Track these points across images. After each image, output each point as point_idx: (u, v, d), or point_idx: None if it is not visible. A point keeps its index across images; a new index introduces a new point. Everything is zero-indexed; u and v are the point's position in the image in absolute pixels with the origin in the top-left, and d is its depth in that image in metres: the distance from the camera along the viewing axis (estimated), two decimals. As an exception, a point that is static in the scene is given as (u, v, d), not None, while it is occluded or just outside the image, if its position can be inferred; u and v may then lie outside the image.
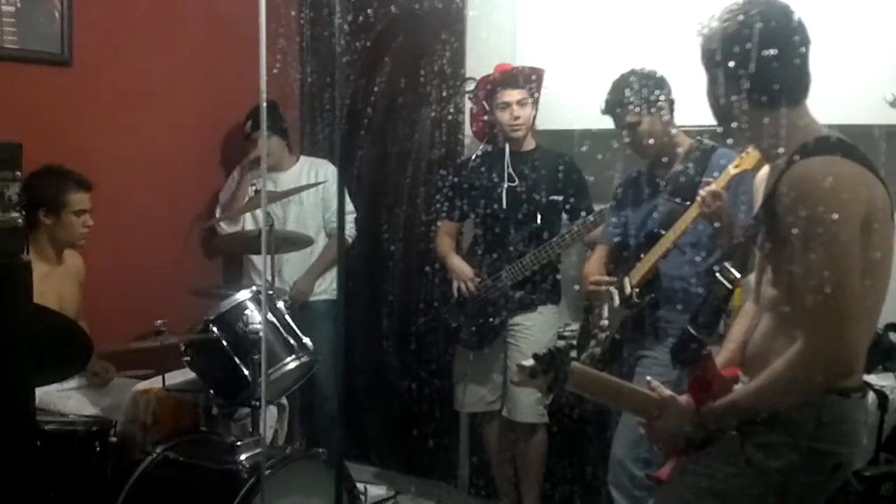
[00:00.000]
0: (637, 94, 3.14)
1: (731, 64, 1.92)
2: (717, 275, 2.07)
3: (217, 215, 4.34)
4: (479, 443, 4.27)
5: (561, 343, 3.89)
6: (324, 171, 4.33)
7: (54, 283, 3.50)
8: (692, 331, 2.14)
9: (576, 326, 3.79)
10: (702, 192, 2.89)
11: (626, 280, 3.28)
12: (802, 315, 1.85)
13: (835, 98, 2.85)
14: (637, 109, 3.15)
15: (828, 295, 1.80)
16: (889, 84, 3.07)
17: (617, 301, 3.29)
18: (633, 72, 3.20)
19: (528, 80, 3.78)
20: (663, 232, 3.18)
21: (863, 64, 3.10)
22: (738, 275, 2.03)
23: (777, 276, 1.97)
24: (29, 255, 2.25)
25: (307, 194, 4.25)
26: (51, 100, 3.77)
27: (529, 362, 1.98)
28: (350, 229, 4.40)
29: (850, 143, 1.92)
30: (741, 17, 1.93)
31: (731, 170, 2.76)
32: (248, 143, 4.31)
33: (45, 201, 3.43)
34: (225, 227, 4.27)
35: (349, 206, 4.36)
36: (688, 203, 3.10)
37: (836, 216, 1.78)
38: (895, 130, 3.07)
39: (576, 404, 3.84)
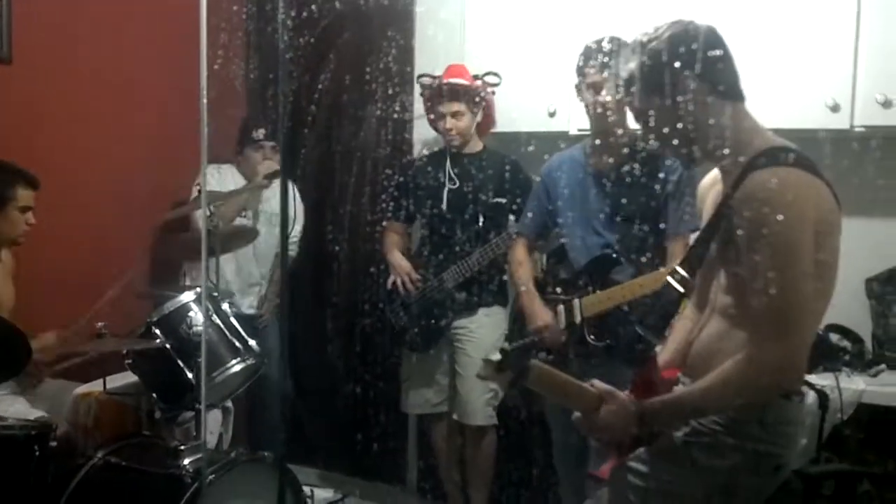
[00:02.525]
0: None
1: (677, 65, 1.94)
2: (669, 278, 2.08)
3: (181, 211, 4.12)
4: (427, 445, 4.26)
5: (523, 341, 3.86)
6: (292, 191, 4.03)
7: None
8: (640, 332, 2.14)
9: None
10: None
11: (577, 305, 3.25)
12: (756, 320, 1.88)
13: (777, 102, 2.90)
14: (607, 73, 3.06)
15: (782, 302, 1.83)
16: (830, 89, 3.12)
17: (563, 324, 3.26)
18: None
19: (468, 92, 3.75)
20: (614, 256, 3.19)
21: (804, 69, 3.14)
22: (689, 278, 2.04)
23: (731, 281, 2.00)
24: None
25: (267, 223, 4.16)
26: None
27: (496, 357, 1.98)
28: (293, 249, 4.29)
29: (801, 153, 1.96)
30: (679, 26, 1.98)
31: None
32: (251, 148, 4.11)
33: None
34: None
35: (298, 228, 4.26)
36: (645, 227, 3.12)
37: (792, 226, 1.83)
38: (836, 135, 3.12)
39: (524, 406, 3.84)
